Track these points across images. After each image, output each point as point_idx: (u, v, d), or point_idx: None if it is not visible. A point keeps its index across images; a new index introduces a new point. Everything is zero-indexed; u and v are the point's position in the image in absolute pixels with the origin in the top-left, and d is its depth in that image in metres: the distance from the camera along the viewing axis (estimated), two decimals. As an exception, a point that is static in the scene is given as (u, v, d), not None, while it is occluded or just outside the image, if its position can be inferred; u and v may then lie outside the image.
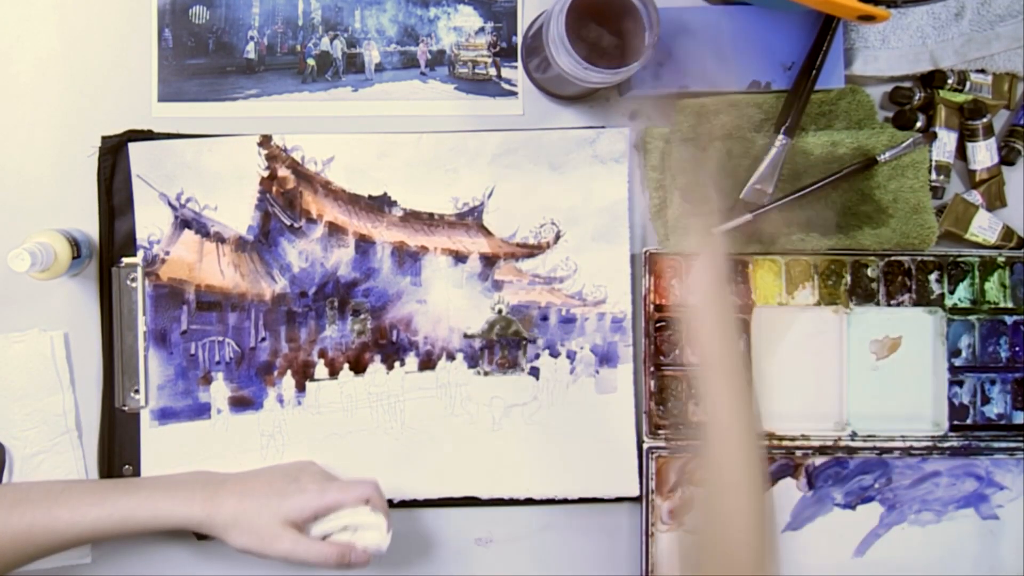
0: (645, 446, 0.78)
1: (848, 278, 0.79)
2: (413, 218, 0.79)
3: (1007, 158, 0.80)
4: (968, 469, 0.80)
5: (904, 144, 0.76)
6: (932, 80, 0.79)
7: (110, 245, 0.77)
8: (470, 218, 0.79)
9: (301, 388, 0.78)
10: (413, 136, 0.78)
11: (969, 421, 0.80)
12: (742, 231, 0.77)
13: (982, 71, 0.79)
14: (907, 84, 0.80)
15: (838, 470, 0.80)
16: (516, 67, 0.79)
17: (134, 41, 0.78)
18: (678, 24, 0.74)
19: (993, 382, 0.80)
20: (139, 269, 0.77)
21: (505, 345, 0.79)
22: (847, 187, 0.77)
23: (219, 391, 0.78)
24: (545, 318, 0.79)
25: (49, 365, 0.77)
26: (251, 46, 0.78)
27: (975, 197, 0.80)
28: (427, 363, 0.79)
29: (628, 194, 0.79)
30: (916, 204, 0.77)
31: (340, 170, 0.78)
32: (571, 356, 0.79)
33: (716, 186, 0.74)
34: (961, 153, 0.80)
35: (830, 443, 0.79)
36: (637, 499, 0.79)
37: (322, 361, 0.78)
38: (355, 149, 0.78)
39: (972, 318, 0.80)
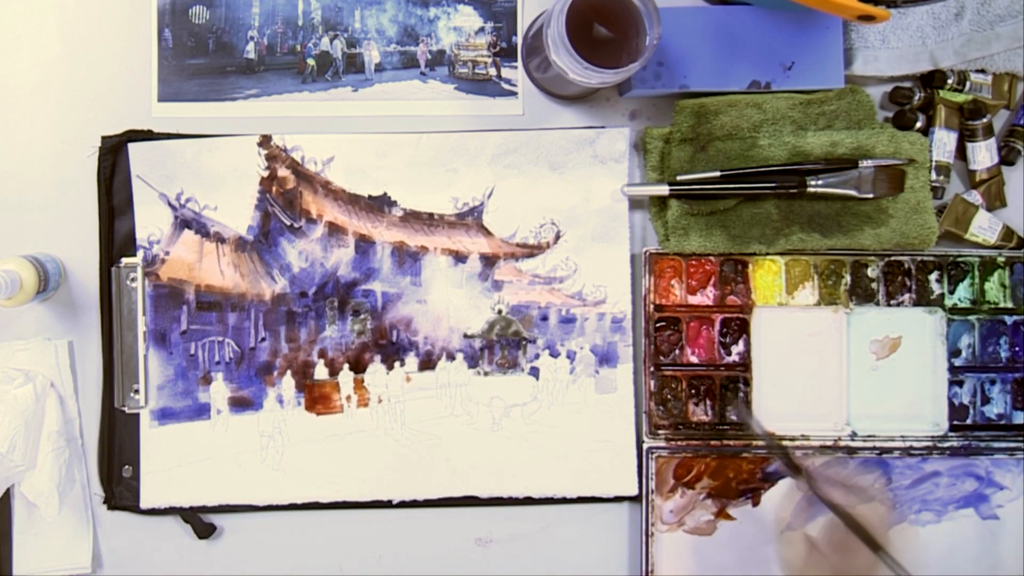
0: (645, 446, 0.78)
1: (848, 278, 0.79)
2: (413, 218, 0.78)
3: (1007, 158, 0.80)
4: (968, 469, 0.80)
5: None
6: (932, 80, 0.79)
7: (110, 245, 0.77)
8: (470, 218, 0.79)
9: (301, 388, 0.78)
10: (413, 136, 0.78)
11: (969, 421, 0.80)
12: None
13: (982, 71, 0.79)
14: (907, 84, 0.80)
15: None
16: (516, 67, 0.79)
17: (134, 41, 0.78)
18: (678, 24, 0.74)
19: (993, 382, 0.80)
20: (139, 269, 0.77)
21: (505, 345, 0.79)
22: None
23: (219, 391, 0.78)
24: (545, 318, 0.79)
25: (53, 374, 0.77)
26: (251, 46, 0.78)
27: (975, 197, 0.80)
28: (427, 363, 0.79)
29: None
30: (916, 204, 0.77)
31: (340, 170, 0.78)
32: (571, 356, 0.79)
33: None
34: (961, 153, 0.80)
35: (830, 443, 0.79)
36: (637, 499, 0.79)
37: (322, 361, 0.78)
38: (355, 149, 0.78)
39: (972, 318, 0.80)
